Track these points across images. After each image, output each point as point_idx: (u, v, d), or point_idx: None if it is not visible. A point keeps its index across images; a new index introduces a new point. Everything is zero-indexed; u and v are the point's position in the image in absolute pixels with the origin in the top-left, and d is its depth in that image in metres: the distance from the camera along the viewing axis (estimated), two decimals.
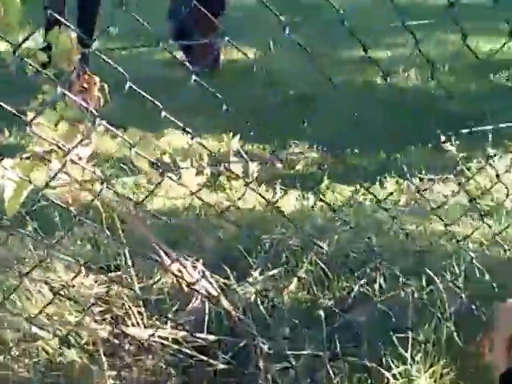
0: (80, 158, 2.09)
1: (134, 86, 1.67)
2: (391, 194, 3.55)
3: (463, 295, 2.69)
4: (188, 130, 3.71)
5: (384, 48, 6.56)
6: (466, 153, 4.07)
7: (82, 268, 2.75)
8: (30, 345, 2.47)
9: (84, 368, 2.47)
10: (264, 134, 4.64)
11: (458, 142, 4.01)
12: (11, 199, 1.85)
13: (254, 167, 4.02)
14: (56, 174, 1.68)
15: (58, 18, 1.69)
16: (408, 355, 2.44)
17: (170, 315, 2.73)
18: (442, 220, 2.86)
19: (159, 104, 1.74)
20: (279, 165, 4.41)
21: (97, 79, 2.56)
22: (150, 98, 1.73)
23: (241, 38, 6.47)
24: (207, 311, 2.75)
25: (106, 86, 2.61)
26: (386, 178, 4.05)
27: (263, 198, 2.45)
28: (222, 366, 2.58)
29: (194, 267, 2.86)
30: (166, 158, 4.03)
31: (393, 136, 4.70)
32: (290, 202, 3.84)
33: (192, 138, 2.07)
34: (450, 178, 3.98)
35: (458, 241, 3.18)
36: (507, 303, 1.94)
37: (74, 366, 2.50)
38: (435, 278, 2.78)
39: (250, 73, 5.61)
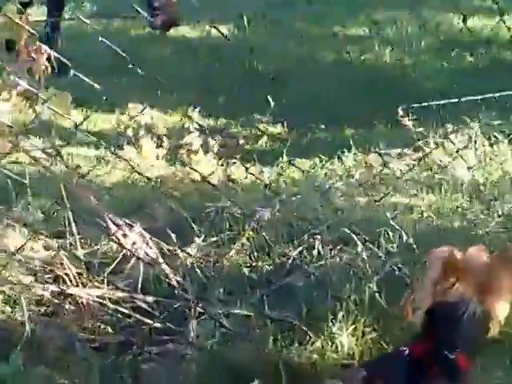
0: None
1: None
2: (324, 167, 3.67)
3: (391, 261, 2.82)
4: (146, 105, 3.86)
5: (363, 25, 6.66)
6: (425, 128, 4.18)
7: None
8: None
9: (21, 326, 2.61)
10: (231, 109, 4.77)
11: (415, 117, 4.13)
12: None
13: (214, 142, 4.18)
14: None
15: None
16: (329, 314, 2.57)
17: (110, 278, 2.88)
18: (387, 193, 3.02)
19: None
20: (242, 140, 4.53)
21: (45, 49, 2.70)
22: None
23: (220, 13, 6.62)
24: (149, 275, 2.91)
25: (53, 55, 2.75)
26: (344, 153, 4.17)
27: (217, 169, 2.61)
28: (157, 325, 2.72)
29: (141, 235, 3.03)
30: (130, 132, 4.21)
31: (359, 112, 4.81)
32: (248, 174, 3.96)
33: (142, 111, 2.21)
34: (407, 153, 4.10)
35: (394, 210, 3.34)
36: (437, 250, 2.10)
37: (12, 324, 2.65)
38: (364, 245, 2.91)
39: (224, 48, 5.76)
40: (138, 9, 3.55)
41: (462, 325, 2.03)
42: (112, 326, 2.76)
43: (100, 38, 2.34)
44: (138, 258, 2.85)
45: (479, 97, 3.21)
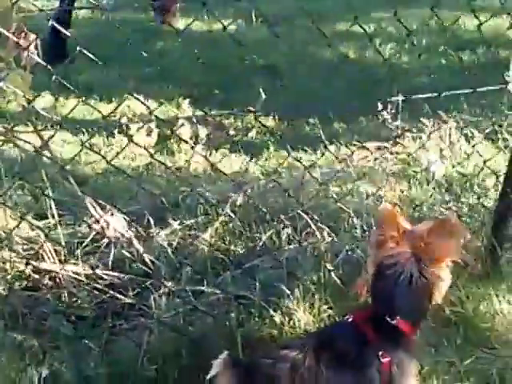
0: None
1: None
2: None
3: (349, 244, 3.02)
4: (138, 96, 4.08)
5: (367, 22, 6.83)
6: (402, 122, 4.36)
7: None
8: None
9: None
10: (225, 100, 4.98)
11: (393, 111, 4.30)
12: None
13: (204, 132, 4.39)
14: None
15: None
16: (285, 289, 2.77)
17: (88, 257, 3.11)
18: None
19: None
20: (232, 131, 4.74)
21: (33, 37, 2.91)
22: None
23: (225, 8, 6.85)
24: (124, 255, 3.13)
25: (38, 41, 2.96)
26: (326, 146, 4.35)
27: (205, 157, 2.81)
28: (128, 301, 2.93)
29: (119, 218, 3.25)
30: (123, 120, 4.42)
31: (348, 107, 4.99)
32: (233, 165, 4.17)
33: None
34: (385, 146, 4.29)
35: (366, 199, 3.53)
36: (387, 213, 2.23)
37: None
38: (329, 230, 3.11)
39: (226, 42, 5.97)
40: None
41: (398, 285, 2.13)
42: (87, 302, 2.98)
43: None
44: (113, 239, 3.06)
45: (458, 91, 3.36)
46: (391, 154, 4.20)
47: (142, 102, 3.19)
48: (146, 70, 5.05)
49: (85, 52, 2.46)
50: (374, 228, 2.30)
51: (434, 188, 3.75)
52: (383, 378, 2.13)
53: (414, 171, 3.96)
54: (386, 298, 2.17)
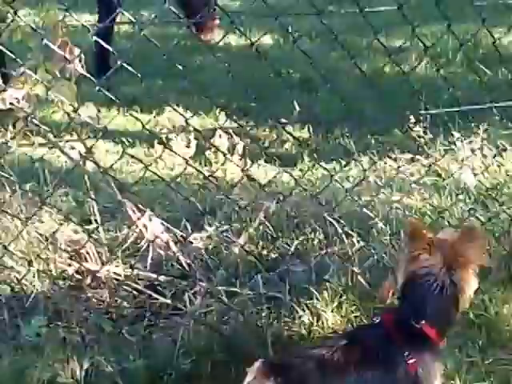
0: (16, 99, 2.65)
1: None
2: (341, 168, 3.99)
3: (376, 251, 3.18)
4: (177, 108, 4.26)
5: (403, 38, 6.97)
6: (435, 136, 4.49)
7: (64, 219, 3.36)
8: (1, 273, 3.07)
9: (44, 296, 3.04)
10: (261, 113, 5.17)
11: (425, 125, 4.44)
12: None
13: (240, 143, 4.56)
14: None
15: None
16: (314, 291, 2.93)
17: (129, 259, 3.31)
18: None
19: None
20: (267, 143, 4.91)
21: (77, 50, 3.11)
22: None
23: (263, 22, 7.04)
24: (163, 258, 3.32)
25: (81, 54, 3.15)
26: (360, 157, 4.51)
27: (240, 168, 2.99)
28: (165, 301, 3.11)
29: (158, 223, 3.43)
30: (163, 132, 4.62)
31: (382, 120, 5.11)
32: (268, 175, 4.33)
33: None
34: (418, 159, 4.42)
35: (396, 208, 3.67)
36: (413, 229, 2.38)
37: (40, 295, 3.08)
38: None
39: (263, 56, 6.15)
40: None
41: (428, 293, 2.29)
42: (126, 301, 3.16)
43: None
44: (151, 242, 3.25)
45: (490, 105, 3.49)
46: (422, 165, 4.32)
47: (181, 114, 3.38)
48: (185, 83, 5.24)
49: (126, 65, 2.66)
50: (403, 242, 2.46)
51: (463, 199, 3.85)
52: (409, 379, 2.25)
53: (445, 182, 4.07)
54: (417, 304, 2.32)
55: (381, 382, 2.26)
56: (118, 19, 6.26)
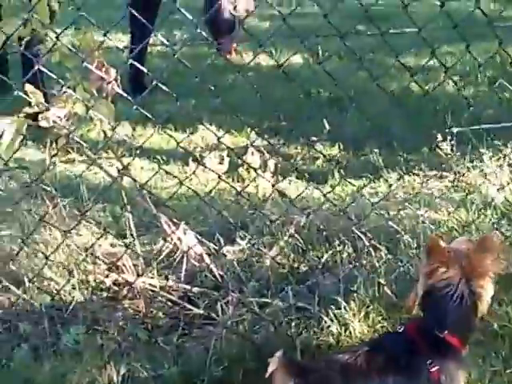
0: (58, 117, 2.80)
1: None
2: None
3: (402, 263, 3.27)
4: (210, 127, 4.39)
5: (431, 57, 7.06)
6: (462, 152, 4.58)
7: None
8: (41, 284, 3.22)
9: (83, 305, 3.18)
10: (292, 131, 5.30)
11: (452, 142, 4.53)
12: (7, 147, 2.59)
13: (272, 160, 4.69)
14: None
15: None
16: (342, 301, 3.03)
17: (163, 271, 3.44)
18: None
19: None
20: (299, 160, 5.02)
21: (113, 71, 3.26)
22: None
23: (293, 43, 7.19)
24: (197, 270, 3.45)
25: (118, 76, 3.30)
26: (389, 172, 4.61)
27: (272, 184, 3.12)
28: (199, 311, 3.24)
29: (192, 236, 3.56)
30: (196, 150, 4.78)
31: (410, 137, 5.20)
32: (299, 191, 4.44)
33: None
34: (445, 175, 4.52)
35: (423, 222, 3.77)
36: (432, 243, 2.46)
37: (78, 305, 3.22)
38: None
39: (292, 76, 6.32)
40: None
41: (449, 304, 2.36)
42: (161, 311, 3.29)
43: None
44: (185, 255, 3.38)
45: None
46: (450, 182, 4.41)
47: (214, 133, 3.52)
48: (217, 102, 5.39)
49: (160, 85, 2.80)
50: (422, 256, 2.53)
51: (490, 213, 3.93)
52: None
53: (471, 197, 4.15)
54: (438, 314, 2.40)
55: None
56: (151, 40, 6.45)
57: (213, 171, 3.48)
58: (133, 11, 2.85)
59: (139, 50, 6.04)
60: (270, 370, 2.20)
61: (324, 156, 4.95)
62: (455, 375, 2.36)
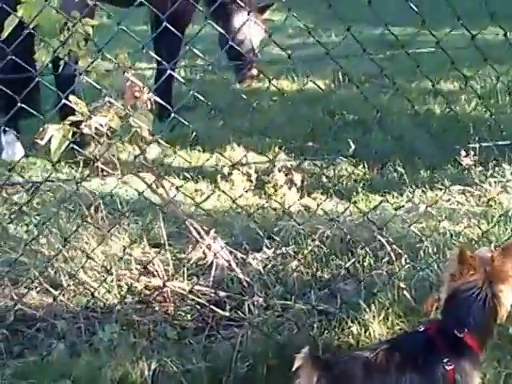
0: (101, 124, 3.03)
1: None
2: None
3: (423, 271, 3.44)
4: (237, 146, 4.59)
5: (454, 80, 7.29)
6: (484, 168, 4.74)
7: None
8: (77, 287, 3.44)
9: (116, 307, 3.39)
10: (317, 151, 5.48)
11: (475, 157, 4.69)
12: (55, 152, 2.84)
13: (298, 178, 4.88)
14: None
15: None
16: (362, 303, 3.21)
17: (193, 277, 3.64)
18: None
19: None
20: (324, 179, 5.19)
21: (146, 89, 3.47)
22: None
23: (316, 66, 7.44)
24: (225, 276, 3.65)
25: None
26: (414, 190, 4.76)
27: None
28: (225, 314, 3.43)
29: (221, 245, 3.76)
30: (225, 168, 4.98)
31: (434, 155, 5.33)
32: (324, 207, 4.61)
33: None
34: (468, 190, 4.67)
35: (443, 233, 3.92)
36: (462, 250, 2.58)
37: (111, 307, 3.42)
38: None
39: (318, 100, 6.56)
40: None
41: (473, 305, 2.49)
42: (190, 314, 3.48)
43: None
44: (216, 261, 3.58)
45: None
46: (472, 196, 4.57)
47: (244, 155, 3.73)
48: (244, 123, 5.64)
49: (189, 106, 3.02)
50: (448, 262, 2.71)
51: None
52: None
53: (494, 211, 4.29)
54: (460, 315, 2.52)
55: None
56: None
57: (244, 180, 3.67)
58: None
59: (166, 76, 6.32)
60: (296, 364, 2.34)
61: (350, 174, 5.14)
62: (471, 376, 2.48)
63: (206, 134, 5.69)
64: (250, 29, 6.46)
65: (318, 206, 3.92)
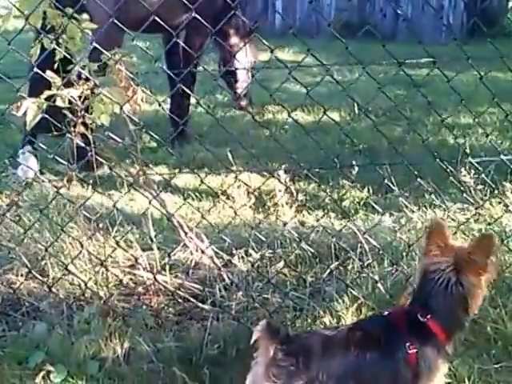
0: (72, 97, 3.27)
1: None
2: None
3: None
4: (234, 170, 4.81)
5: (468, 114, 7.50)
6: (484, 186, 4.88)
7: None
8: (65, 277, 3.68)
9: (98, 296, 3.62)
10: (321, 175, 5.69)
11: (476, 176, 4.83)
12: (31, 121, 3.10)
13: (297, 198, 5.10)
14: None
15: None
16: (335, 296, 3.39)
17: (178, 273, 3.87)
18: None
19: None
20: (327, 200, 5.38)
21: (139, 90, 3.70)
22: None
23: (329, 100, 7.72)
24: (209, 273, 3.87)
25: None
26: (413, 211, 4.92)
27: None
28: (205, 307, 3.63)
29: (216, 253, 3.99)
30: (229, 190, 5.21)
31: (437, 179, 5.47)
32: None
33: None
34: (468, 208, 4.82)
35: None
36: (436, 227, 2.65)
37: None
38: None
39: (329, 130, 6.83)
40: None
41: (433, 288, 2.55)
42: (173, 308, 3.70)
43: None
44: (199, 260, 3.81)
45: None
46: (473, 215, 4.70)
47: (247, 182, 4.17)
48: (253, 150, 5.91)
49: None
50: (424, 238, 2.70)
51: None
52: (409, 369, 2.50)
53: (492, 228, 4.40)
54: (422, 297, 2.60)
55: (379, 365, 2.52)
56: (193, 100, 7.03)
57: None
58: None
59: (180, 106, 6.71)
60: (254, 336, 2.44)
61: (351, 196, 5.35)
62: (434, 363, 2.55)
63: (215, 159, 5.94)
64: (241, 59, 6.94)
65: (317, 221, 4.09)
